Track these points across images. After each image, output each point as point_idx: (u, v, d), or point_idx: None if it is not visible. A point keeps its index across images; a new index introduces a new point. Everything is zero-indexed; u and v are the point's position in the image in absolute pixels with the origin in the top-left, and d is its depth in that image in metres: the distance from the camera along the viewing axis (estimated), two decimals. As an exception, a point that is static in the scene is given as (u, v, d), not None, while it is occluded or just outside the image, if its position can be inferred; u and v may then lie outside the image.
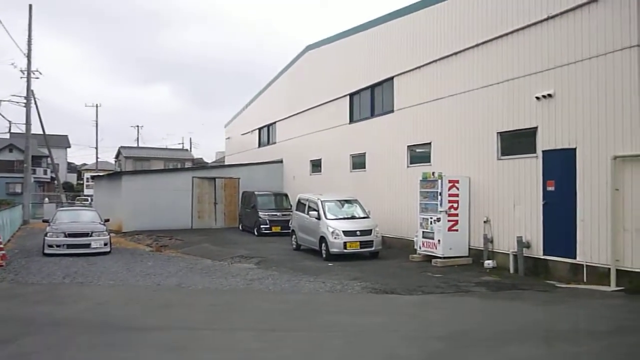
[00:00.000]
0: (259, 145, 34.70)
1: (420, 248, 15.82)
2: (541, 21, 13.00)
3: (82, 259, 16.07)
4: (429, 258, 15.30)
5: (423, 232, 15.64)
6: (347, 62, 22.94)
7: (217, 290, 11.50)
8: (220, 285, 12.00)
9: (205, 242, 21.06)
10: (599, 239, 11.50)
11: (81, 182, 70.18)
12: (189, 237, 22.88)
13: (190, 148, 78.95)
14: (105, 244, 17.69)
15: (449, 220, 15.00)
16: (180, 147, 78.33)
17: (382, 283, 12.08)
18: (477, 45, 15.10)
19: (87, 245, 17.33)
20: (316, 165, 25.97)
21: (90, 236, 17.57)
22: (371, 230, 16.30)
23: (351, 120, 22.57)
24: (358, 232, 16.11)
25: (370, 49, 21.08)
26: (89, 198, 49.16)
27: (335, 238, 15.88)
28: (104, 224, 18.75)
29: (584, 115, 11.89)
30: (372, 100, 21.15)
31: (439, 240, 14.98)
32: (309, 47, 27.02)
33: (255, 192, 25.19)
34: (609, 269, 11.12)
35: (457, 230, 15.09)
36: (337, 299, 10.65)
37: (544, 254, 12.92)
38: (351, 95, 22.53)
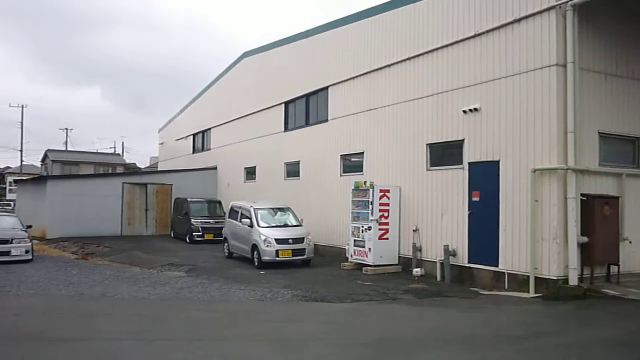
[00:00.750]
0: (193, 152, 34.21)
1: (351, 256, 16.02)
2: (469, 38, 13.51)
3: (0, 268, 15.28)
4: (360, 266, 15.51)
5: (354, 240, 15.85)
6: (283, 71, 23.02)
7: (144, 299, 11.22)
8: (148, 294, 11.71)
9: (135, 249, 20.53)
10: (519, 248, 12.02)
11: (4, 186, 66.81)
12: (118, 244, 22.23)
13: (123, 152, 76.66)
14: (27, 252, 16.88)
15: (379, 229, 15.28)
16: (112, 151, 75.99)
17: (313, 291, 12.15)
18: (408, 58, 15.51)
19: (7, 253, 16.46)
20: (250, 173, 25.86)
21: (10, 243, 16.69)
22: (303, 238, 16.38)
23: (286, 129, 22.64)
24: (290, 240, 16.14)
25: (306, 59, 21.25)
26: (12, 203, 46.88)
27: (267, 246, 15.85)
28: (25, 231, 17.90)
29: (506, 129, 12.43)
30: (307, 109, 21.31)
31: (369, 249, 15.22)
32: (246, 54, 26.94)
33: (188, 199, 24.81)
34: (528, 276, 11.62)
35: (387, 238, 15.38)
36: (267, 307, 10.62)
37: (469, 262, 13.36)
38: (286, 103, 22.61)
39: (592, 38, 11.95)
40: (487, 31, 12.97)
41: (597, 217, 11.61)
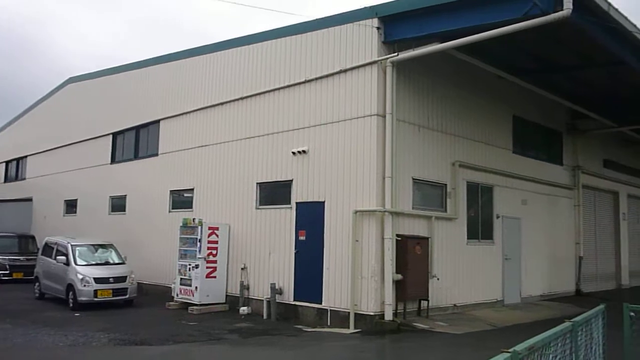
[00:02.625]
0: (5, 180, 31.13)
1: (177, 295, 15.51)
2: (300, 83, 14.09)
3: None
4: (187, 305, 15.05)
5: (181, 278, 15.39)
6: (111, 100, 22.04)
7: None
8: None
9: None
10: (341, 285, 12.56)
11: None
12: None
13: None
14: None
15: (207, 267, 15.02)
16: None
17: (133, 333, 11.51)
18: (241, 98, 15.72)
19: None
20: (71, 206, 24.06)
21: None
22: (126, 277, 15.55)
23: (113, 161, 21.57)
24: (111, 279, 15.25)
25: (137, 90, 20.60)
26: None
27: (84, 286, 14.76)
28: None
29: (332, 172, 13.07)
30: (136, 142, 20.54)
31: (196, 287, 14.87)
32: (72, 80, 25.39)
33: (-6, 234, 22.35)
34: (349, 312, 12.16)
35: (215, 277, 15.16)
36: (78, 354, 9.83)
37: (294, 300, 13.63)
38: (114, 134, 21.60)
39: (409, 93, 13.13)
40: (317, 78, 13.66)
41: (410, 256, 12.56)
